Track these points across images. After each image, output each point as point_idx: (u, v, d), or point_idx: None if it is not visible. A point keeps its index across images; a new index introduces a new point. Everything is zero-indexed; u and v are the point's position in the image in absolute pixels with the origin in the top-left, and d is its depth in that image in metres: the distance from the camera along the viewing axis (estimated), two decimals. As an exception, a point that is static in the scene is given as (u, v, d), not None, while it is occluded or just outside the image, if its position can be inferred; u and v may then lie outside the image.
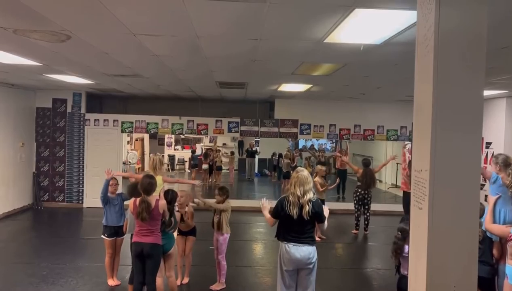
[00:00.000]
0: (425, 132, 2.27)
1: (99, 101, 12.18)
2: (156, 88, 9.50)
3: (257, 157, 18.05)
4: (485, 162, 9.33)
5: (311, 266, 4.15)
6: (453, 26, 2.18)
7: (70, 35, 4.36)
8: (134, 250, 4.58)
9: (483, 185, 9.30)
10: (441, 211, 2.21)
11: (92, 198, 10.98)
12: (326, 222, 4.28)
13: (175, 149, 20.60)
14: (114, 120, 11.20)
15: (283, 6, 3.21)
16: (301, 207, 4.04)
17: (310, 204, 4.05)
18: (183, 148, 20.82)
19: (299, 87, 8.49)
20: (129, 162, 16.80)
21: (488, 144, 9.26)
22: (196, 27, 3.90)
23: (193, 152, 17.83)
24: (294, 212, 4.04)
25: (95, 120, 11.11)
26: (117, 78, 7.73)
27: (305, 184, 4.09)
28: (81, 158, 11.06)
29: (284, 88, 8.56)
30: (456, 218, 2.22)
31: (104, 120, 11.16)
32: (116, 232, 5.57)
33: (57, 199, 11.03)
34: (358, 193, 8.92)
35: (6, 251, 7.33)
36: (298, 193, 4.06)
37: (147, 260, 4.54)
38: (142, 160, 19.17)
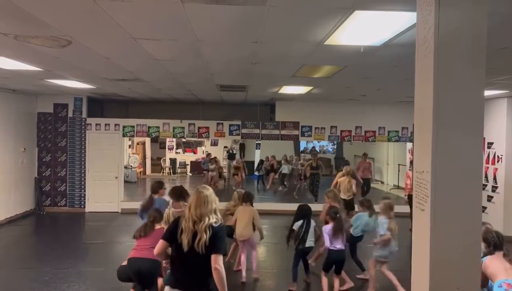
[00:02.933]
0: (426, 133, 2.26)
1: (100, 105, 12.21)
2: (157, 92, 9.52)
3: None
4: (487, 163, 9.32)
5: None
6: (453, 27, 2.18)
7: (70, 40, 4.37)
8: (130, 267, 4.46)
9: (485, 185, 9.29)
10: (444, 212, 2.21)
11: (94, 203, 11.00)
12: (217, 261, 3.04)
13: (176, 152, 20.63)
14: (115, 124, 11.22)
15: (283, 9, 3.21)
16: (194, 236, 3.04)
17: (208, 232, 3.03)
18: (184, 151, 20.85)
19: (300, 90, 8.49)
20: (131, 166, 16.80)
21: (490, 144, 9.24)
22: (196, 31, 3.90)
23: (208, 155, 17.48)
24: (185, 241, 3.03)
25: (96, 124, 11.13)
26: (118, 82, 7.75)
27: (203, 206, 3.11)
28: (82, 163, 11.07)
29: (284, 90, 8.56)
30: (458, 219, 2.22)
31: (105, 125, 11.18)
32: None
33: (59, 204, 11.03)
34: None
35: (9, 256, 7.34)
36: (194, 217, 3.08)
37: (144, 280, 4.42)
38: (143, 164, 19.19)
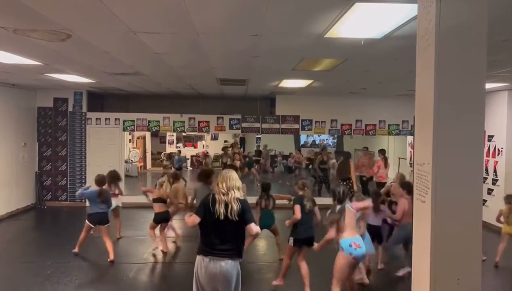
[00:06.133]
0: (427, 125, 2.26)
1: (100, 99, 12.19)
2: (157, 86, 9.50)
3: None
4: (487, 155, 9.32)
5: (230, 284, 3.66)
6: (454, 19, 2.17)
7: (70, 34, 4.36)
8: None
9: (486, 178, 9.30)
10: (444, 204, 2.21)
11: (94, 197, 11.00)
12: (255, 228, 3.72)
13: (176, 147, 20.64)
14: (116, 119, 11.21)
15: (283, 2, 3.20)
16: (226, 206, 3.61)
17: (237, 203, 3.62)
18: (184, 145, 20.86)
19: (300, 83, 8.47)
20: (131, 160, 16.82)
21: (491, 137, 9.24)
22: (195, 24, 3.89)
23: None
24: (221, 211, 3.60)
25: (96, 118, 11.12)
26: (118, 76, 7.73)
27: (228, 180, 3.69)
28: (83, 157, 11.07)
29: (285, 84, 8.54)
30: (459, 211, 2.22)
31: (106, 119, 11.17)
32: None
33: (60, 198, 11.05)
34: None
35: (10, 251, 7.37)
36: (223, 190, 3.66)
37: None
38: (144, 158, 19.20)
